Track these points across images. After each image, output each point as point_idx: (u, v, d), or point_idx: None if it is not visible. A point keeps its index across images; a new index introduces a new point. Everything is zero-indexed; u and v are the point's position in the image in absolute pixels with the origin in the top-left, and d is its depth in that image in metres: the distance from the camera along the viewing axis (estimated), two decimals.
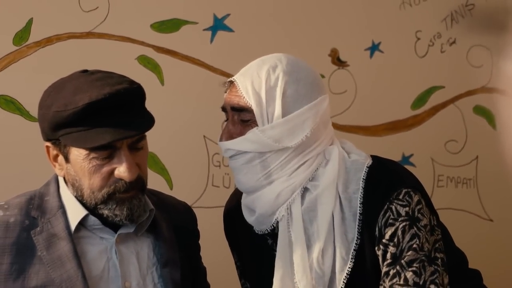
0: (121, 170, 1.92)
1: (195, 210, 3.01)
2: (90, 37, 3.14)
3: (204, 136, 3.31)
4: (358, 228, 1.97)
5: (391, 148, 3.73)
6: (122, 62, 3.08)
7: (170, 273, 2.06)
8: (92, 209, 1.97)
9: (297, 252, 2.00)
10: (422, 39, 3.84)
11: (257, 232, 2.12)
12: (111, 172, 1.93)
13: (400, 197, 1.95)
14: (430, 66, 3.86)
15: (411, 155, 3.78)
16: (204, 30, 3.36)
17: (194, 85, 3.30)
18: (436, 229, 2.02)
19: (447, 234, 2.13)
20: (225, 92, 2.10)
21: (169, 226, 2.14)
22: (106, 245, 2.00)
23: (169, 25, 3.29)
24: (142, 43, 3.23)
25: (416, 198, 1.97)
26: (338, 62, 3.63)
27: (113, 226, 2.01)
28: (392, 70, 3.76)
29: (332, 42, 3.63)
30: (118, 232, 2.01)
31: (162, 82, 3.25)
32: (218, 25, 3.38)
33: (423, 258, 1.93)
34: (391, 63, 3.75)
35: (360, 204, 1.98)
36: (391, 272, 1.93)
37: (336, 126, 3.59)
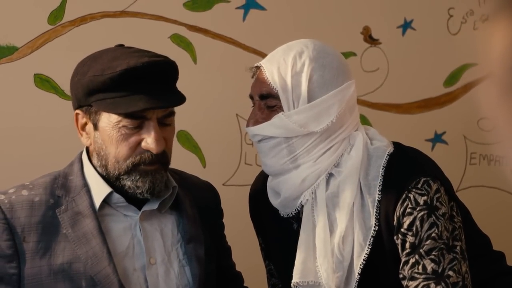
0: (149, 142, 1.95)
1: (228, 188, 3.04)
2: (124, 16, 3.15)
3: (237, 115, 3.33)
4: (376, 215, 1.98)
5: (423, 126, 3.73)
6: (155, 41, 3.09)
7: (194, 249, 2.09)
8: (116, 186, 2.00)
9: (320, 237, 2.02)
10: (454, 16, 3.82)
11: (282, 215, 2.14)
12: (139, 143, 1.96)
13: (419, 186, 1.96)
14: (463, 43, 3.83)
15: (444, 132, 3.78)
16: (237, 8, 3.36)
17: (226, 64, 3.30)
18: (456, 217, 2.01)
19: (469, 218, 2.13)
20: (252, 77, 2.13)
21: (192, 204, 2.17)
22: (130, 222, 2.03)
23: (202, 4, 3.29)
24: (175, 22, 3.24)
25: (435, 187, 1.96)
26: (370, 40, 3.62)
27: (136, 203, 2.04)
28: (424, 47, 3.74)
29: (364, 20, 3.62)
30: (142, 210, 2.04)
31: (194, 61, 3.26)
32: (251, 3, 3.38)
33: (442, 246, 1.93)
34: (423, 41, 3.73)
35: (379, 191, 1.98)
36: (411, 261, 1.94)
37: (369, 104, 3.60)
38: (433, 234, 1.93)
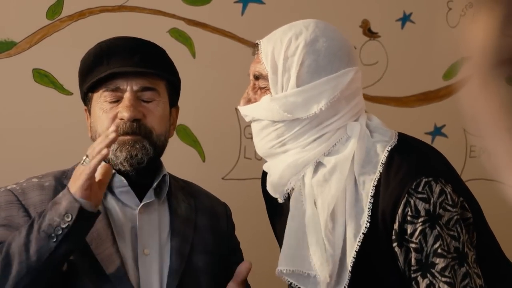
0: (120, 109, 2.08)
1: (227, 182, 3.04)
2: (122, 11, 3.15)
3: (236, 109, 3.31)
4: (368, 212, 1.90)
5: (423, 119, 3.72)
6: (154, 35, 3.06)
7: (177, 244, 2.14)
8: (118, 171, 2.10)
9: (310, 225, 1.96)
10: (453, 9, 3.81)
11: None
12: (116, 115, 2.09)
13: (419, 189, 1.86)
14: (462, 36, 3.82)
15: (443, 125, 3.77)
16: (235, 2, 3.35)
17: (225, 58, 3.30)
18: (465, 213, 1.92)
19: (481, 219, 2.01)
20: (252, 55, 2.11)
21: (191, 207, 2.24)
22: (131, 212, 2.11)
23: None
24: (174, 16, 3.24)
25: (437, 189, 1.86)
26: (369, 33, 3.62)
27: (137, 194, 2.12)
28: (423, 40, 3.73)
29: (363, 13, 3.61)
30: (143, 202, 2.11)
31: (193, 55, 3.26)
32: None
33: (452, 261, 1.84)
34: (422, 34, 3.73)
35: (373, 187, 1.90)
36: (424, 282, 1.86)
37: (368, 98, 3.58)
38: (439, 250, 1.84)
